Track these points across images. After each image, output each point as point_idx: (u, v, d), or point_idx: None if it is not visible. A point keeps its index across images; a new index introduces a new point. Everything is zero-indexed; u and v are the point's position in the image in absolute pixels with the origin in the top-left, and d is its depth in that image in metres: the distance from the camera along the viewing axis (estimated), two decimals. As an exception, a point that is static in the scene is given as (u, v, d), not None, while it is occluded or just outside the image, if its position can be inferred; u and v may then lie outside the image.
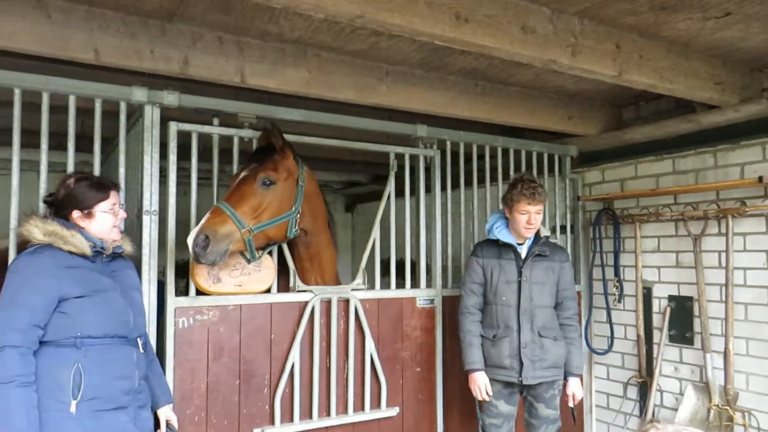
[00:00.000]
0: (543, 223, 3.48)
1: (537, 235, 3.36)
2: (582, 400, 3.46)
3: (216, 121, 3.19)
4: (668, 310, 4.02)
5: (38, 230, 2.39)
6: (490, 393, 3.34)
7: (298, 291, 3.35)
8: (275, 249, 3.32)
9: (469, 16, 2.45)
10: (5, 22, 2.51)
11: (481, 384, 3.34)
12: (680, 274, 3.99)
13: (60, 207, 2.49)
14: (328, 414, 3.39)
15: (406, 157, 3.81)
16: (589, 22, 2.83)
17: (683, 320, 3.95)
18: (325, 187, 7.35)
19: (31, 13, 2.53)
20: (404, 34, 2.41)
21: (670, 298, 4.05)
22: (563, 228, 4.61)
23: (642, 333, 4.18)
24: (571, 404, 3.38)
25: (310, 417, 3.33)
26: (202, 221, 2.79)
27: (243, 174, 2.99)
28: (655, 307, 4.15)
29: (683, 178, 3.99)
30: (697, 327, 3.85)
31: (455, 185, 4.10)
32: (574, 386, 3.37)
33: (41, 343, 2.28)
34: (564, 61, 2.78)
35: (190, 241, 2.74)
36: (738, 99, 3.51)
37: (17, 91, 2.78)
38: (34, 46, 2.57)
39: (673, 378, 4.02)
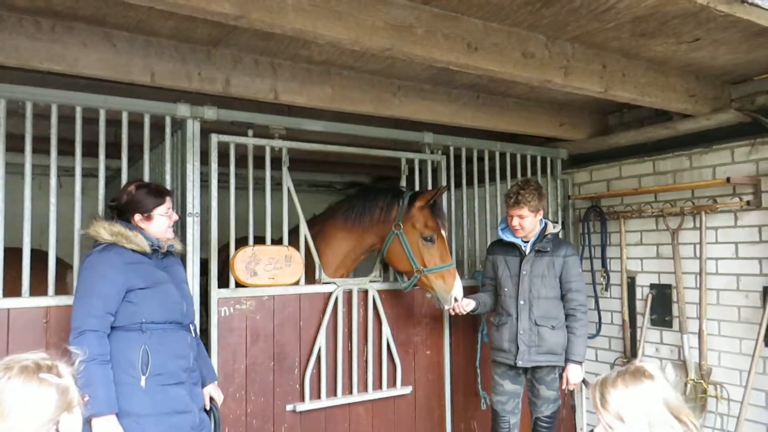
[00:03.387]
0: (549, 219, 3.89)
1: (542, 232, 3.72)
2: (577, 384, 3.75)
3: (250, 132, 3.58)
4: (650, 296, 4.49)
5: (105, 231, 2.77)
6: (467, 309, 3.69)
7: (323, 283, 3.77)
8: (303, 245, 3.73)
9: (478, 44, 2.87)
10: (73, 50, 2.89)
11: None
12: (660, 264, 4.45)
13: (123, 211, 2.87)
14: (351, 392, 3.81)
15: (416, 161, 4.23)
16: (579, 47, 3.26)
17: (663, 305, 4.41)
18: (329, 187, 7.75)
19: (98, 43, 2.91)
20: (425, 62, 2.82)
21: (652, 286, 4.51)
22: (554, 222, 5.04)
23: (627, 318, 4.64)
24: (563, 386, 3.70)
25: (335, 394, 3.75)
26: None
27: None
28: (639, 295, 4.61)
29: (662, 178, 4.44)
30: (675, 311, 4.31)
31: (458, 185, 4.52)
32: (570, 371, 3.63)
33: (112, 328, 2.66)
34: (558, 81, 3.21)
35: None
36: (710, 109, 3.96)
37: (78, 109, 3.15)
38: (99, 71, 2.94)
39: (655, 357, 4.48)
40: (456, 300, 3.63)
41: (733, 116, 3.92)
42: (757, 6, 2.18)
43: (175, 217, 2.96)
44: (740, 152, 3.96)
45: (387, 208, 3.77)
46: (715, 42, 3.22)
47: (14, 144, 3.15)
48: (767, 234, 3.81)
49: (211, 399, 3.06)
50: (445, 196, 4.37)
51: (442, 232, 3.76)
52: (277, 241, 3.71)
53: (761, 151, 3.84)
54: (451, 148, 4.41)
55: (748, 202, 3.85)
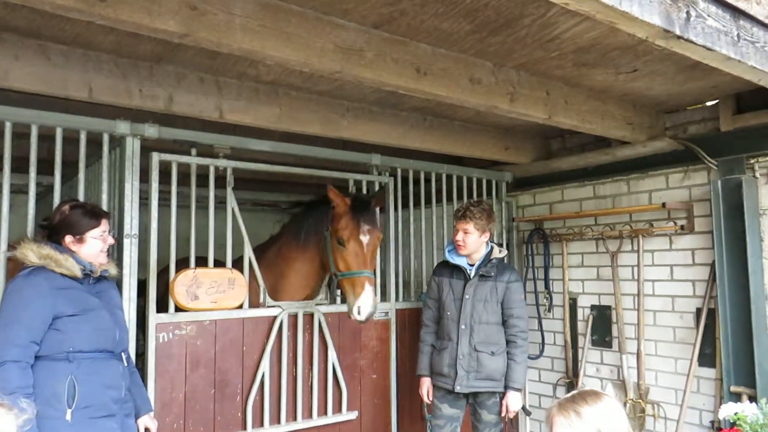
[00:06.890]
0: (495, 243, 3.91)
1: (488, 256, 3.75)
2: (517, 412, 3.70)
3: (194, 151, 3.47)
4: (591, 317, 4.60)
5: (33, 254, 2.61)
6: (431, 398, 3.76)
7: (268, 306, 3.67)
8: (246, 267, 3.63)
9: (427, 69, 2.90)
10: (4, 62, 2.73)
11: (423, 388, 3.79)
12: (600, 285, 4.57)
13: (54, 232, 2.72)
14: (295, 418, 3.71)
15: (364, 183, 4.22)
16: (524, 74, 3.33)
17: (603, 326, 4.52)
18: (274, 206, 7.62)
19: (31, 56, 2.77)
20: (374, 86, 2.82)
21: (592, 307, 4.62)
22: (500, 246, 5.11)
23: (569, 339, 4.73)
24: (503, 414, 3.65)
25: (279, 422, 3.64)
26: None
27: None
28: (580, 316, 4.72)
29: (602, 203, 4.59)
30: (614, 332, 4.43)
31: (405, 206, 4.54)
32: (509, 399, 3.60)
33: (36, 357, 2.50)
34: (504, 107, 3.27)
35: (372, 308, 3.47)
36: (646, 136, 4.13)
37: (8, 124, 2.97)
38: (32, 85, 2.80)
39: (595, 377, 4.58)
40: (359, 312, 3.45)
41: (667, 144, 4.09)
42: (691, 42, 2.28)
43: (111, 240, 2.82)
44: (674, 178, 4.13)
45: (326, 218, 3.73)
46: (651, 73, 3.36)
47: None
48: (700, 257, 3.97)
49: (146, 430, 2.92)
50: (392, 216, 4.37)
51: (361, 237, 3.56)
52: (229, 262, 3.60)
53: (693, 177, 4.02)
54: (399, 170, 4.42)
55: (682, 227, 4.01)
